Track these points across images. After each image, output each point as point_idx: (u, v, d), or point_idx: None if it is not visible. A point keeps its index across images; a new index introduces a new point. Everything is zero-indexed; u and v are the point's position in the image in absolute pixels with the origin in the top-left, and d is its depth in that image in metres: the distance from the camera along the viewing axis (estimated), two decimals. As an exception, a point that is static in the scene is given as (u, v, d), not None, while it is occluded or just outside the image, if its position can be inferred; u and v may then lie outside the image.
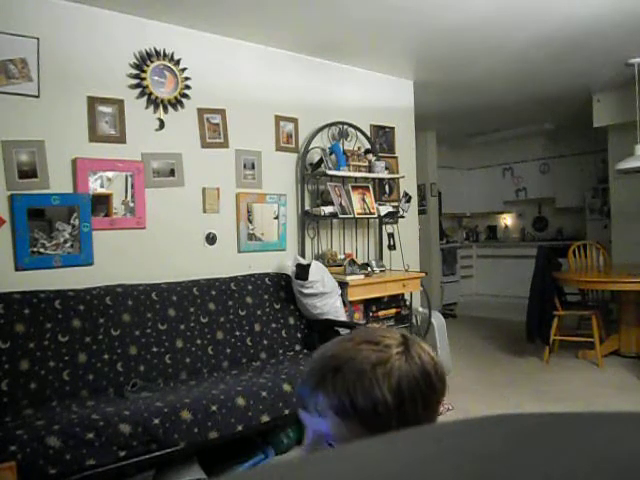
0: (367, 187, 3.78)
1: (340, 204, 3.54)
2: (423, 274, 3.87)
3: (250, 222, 3.40)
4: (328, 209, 3.48)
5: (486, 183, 8.08)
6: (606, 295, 4.89)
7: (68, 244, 2.69)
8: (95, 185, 2.81)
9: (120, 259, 2.87)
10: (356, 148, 3.85)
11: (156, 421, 2.07)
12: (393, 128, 4.29)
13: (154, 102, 3.00)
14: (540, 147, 7.42)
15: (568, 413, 0.26)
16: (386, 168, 3.91)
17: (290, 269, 3.23)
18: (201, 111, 3.20)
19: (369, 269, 3.56)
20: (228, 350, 2.89)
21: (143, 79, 2.96)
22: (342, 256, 3.69)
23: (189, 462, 2.29)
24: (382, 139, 4.21)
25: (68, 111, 2.74)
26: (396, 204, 4.03)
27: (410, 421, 0.61)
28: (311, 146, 3.63)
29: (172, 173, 3.08)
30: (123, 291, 2.69)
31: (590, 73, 4.47)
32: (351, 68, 4.02)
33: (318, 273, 3.09)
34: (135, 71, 2.95)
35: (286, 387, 2.48)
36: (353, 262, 3.46)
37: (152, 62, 2.99)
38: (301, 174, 3.63)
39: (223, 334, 2.91)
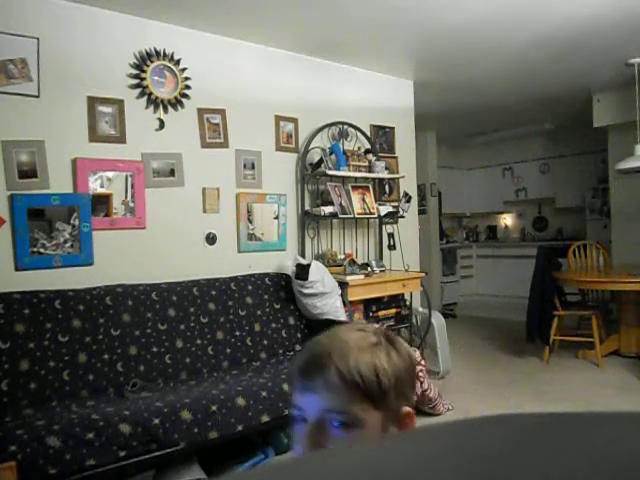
0: (367, 187, 3.78)
1: (340, 204, 3.54)
2: (423, 274, 3.87)
3: (250, 222, 3.40)
4: (328, 209, 3.48)
5: (486, 183, 8.09)
6: (606, 295, 4.89)
7: (68, 244, 2.69)
8: (95, 185, 2.81)
9: (120, 259, 2.87)
10: (356, 148, 3.85)
11: (156, 421, 2.07)
12: (393, 128, 4.29)
13: (154, 102, 3.00)
14: (540, 147, 7.42)
15: (568, 413, 0.26)
16: (386, 168, 3.91)
17: (290, 269, 3.23)
18: (201, 111, 3.20)
19: (369, 269, 3.56)
20: (228, 350, 2.89)
21: (143, 79, 2.96)
22: (342, 256, 3.69)
23: (189, 462, 2.29)
24: (382, 139, 4.21)
25: (68, 111, 2.74)
26: (396, 204, 4.03)
27: (402, 394, 0.70)
28: (311, 146, 3.63)
29: (172, 173, 3.08)
30: (123, 291, 2.69)
31: (590, 73, 4.47)
32: (351, 68, 4.02)
33: (318, 273, 3.10)
34: (135, 71, 2.95)
35: (286, 387, 2.48)
36: (353, 262, 3.46)
37: (152, 62, 2.99)
38: (301, 174, 3.63)
39: (223, 334, 2.91)
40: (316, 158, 3.62)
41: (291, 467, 0.24)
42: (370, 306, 3.59)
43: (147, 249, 2.98)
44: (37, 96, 2.64)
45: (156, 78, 3.02)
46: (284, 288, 3.26)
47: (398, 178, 4.10)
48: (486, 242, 8.15)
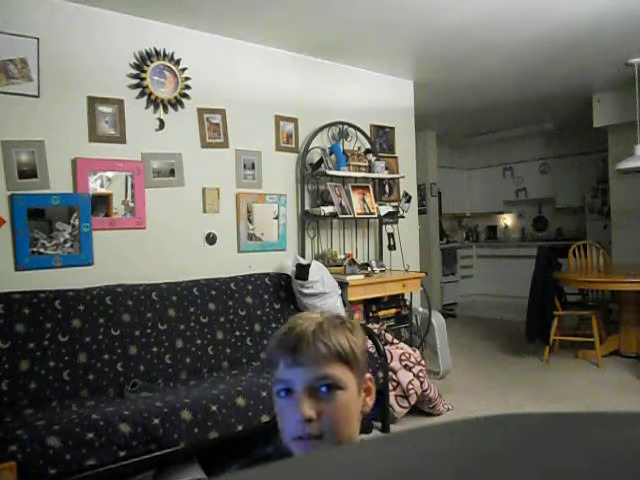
0: (367, 187, 3.78)
1: (340, 204, 3.54)
2: (423, 274, 3.87)
3: (250, 222, 3.40)
4: (328, 209, 3.48)
5: (486, 183, 8.09)
6: (606, 295, 4.89)
7: (68, 244, 2.69)
8: (95, 185, 2.81)
9: (120, 259, 2.87)
10: (356, 148, 3.85)
11: (156, 421, 2.07)
12: (393, 128, 4.29)
13: (154, 102, 3.00)
14: (540, 147, 7.42)
15: (568, 413, 0.26)
16: (386, 168, 3.91)
17: (290, 269, 3.23)
18: (201, 111, 3.20)
19: (369, 269, 3.56)
20: (228, 350, 2.88)
21: (143, 79, 2.96)
22: (342, 256, 3.69)
23: (189, 462, 2.29)
24: (382, 139, 4.21)
25: (68, 111, 2.74)
26: (396, 204, 4.03)
27: (364, 363, 0.85)
28: (311, 146, 3.63)
29: (172, 173, 3.08)
30: (123, 291, 2.69)
31: (590, 73, 4.47)
32: (351, 68, 4.02)
33: (318, 273, 3.10)
34: (135, 71, 2.95)
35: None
36: (353, 262, 3.46)
37: (152, 62, 2.99)
38: (301, 174, 3.63)
39: (223, 334, 2.91)
40: (316, 158, 3.62)
41: (291, 467, 0.24)
42: (370, 306, 3.59)
43: (147, 249, 2.98)
44: (37, 96, 2.64)
45: (156, 78, 3.02)
46: (284, 288, 3.26)
47: (398, 178, 4.10)
48: (486, 242, 8.15)
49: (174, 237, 3.09)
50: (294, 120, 3.64)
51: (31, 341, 2.33)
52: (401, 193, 4.10)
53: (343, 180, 3.69)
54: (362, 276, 3.42)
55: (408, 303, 3.83)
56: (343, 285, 3.26)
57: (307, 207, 3.62)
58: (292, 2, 2.89)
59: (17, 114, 2.59)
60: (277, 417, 0.81)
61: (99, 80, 2.84)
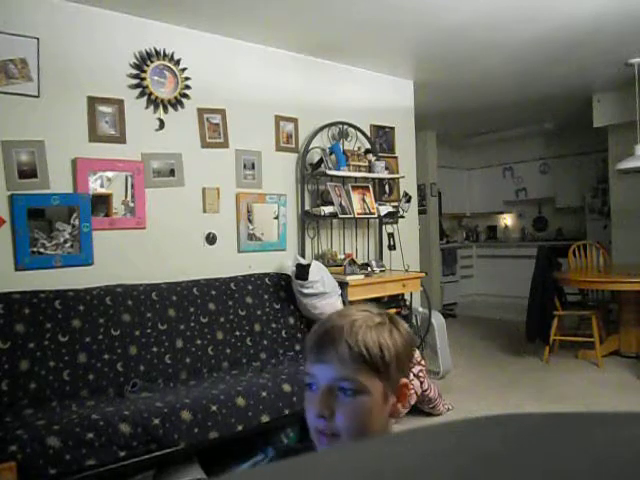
0: (367, 187, 3.78)
1: (340, 204, 3.54)
2: (423, 274, 3.86)
3: (250, 222, 3.40)
4: (328, 209, 3.48)
5: (486, 183, 8.09)
6: (606, 295, 4.89)
7: (68, 244, 2.69)
8: (95, 185, 2.81)
9: (120, 259, 2.87)
10: (356, 148, 3.85)
11: (156, 421, 2.07)
12: (393, 128, 4.29)
13: (154, 102, 3.00)
14: (540, 147, 7.42)
15: (568, 413, 0.26)
16: (386, 168, 3.91)
17: (290, 269, 3.23)
18: (201, 111, 3.20)
19: (369, 269, 3.56)
20: (228, 350, 2.88)
21: (143, 79, 2.96)
22: (342, 256, 3.68)
23: (189, 462, 2.29)
24: (382, 139, 4.21)
25: (68, 111, 2.74)
26: (396, 204, 4.03)
27: (401, 368, 0.80)
28: (311, 146, 3.63)
29: (172, 173, 3.08)
30: (123, 291, 2.69)
31: (590, 73, 4.47)
32: (351, 68, 4.02)
33: (318, 273, 3.09)
34: (135, 71, 2.95)
35: (286, 387, 2.48)
36: (353, 262, 3.46)
37: (152, 62, 2.99)
38: (301, 174, 3.63)
39: (223, 334, 2.91)
40: (316, 158, 3.62)
41: (291, 467, 0.24)
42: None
43: (147, 249, 2.98)
44: (37, 96, 2.64)
45: (156, 78, 3.02)
46: (284, 288, 3.26)
47: (398, 178, 4.10)
48: (486, 242, 8.15)
49: (174, 237, 3.09)
50: (294, 120, 3.64)
51: (31, 341, 2.33)
52: (401, 193, 4.10)
53: (343, 180, 3.69)
54: (362, 276, 3.42)
55: (408, 303, 3.83)
56: (343, 285, 3.26)
57: (307, 207, 3.62)
58: (292, 2, 2.89)
59: (17, 114, 2.59)
60: (305, 407, 0.81)
61: (99, 80, 2.84)
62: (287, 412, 2.44)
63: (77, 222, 2.71)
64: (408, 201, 4.02)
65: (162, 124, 3.04)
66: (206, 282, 3.01)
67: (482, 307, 7.21)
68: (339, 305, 3.16)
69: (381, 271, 3.69)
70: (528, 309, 4.33)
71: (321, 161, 3.54)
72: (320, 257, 3.62)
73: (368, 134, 4.01)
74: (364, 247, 4.02)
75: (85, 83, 2.79)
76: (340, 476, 0.22)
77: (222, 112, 3.28)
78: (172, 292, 2.84)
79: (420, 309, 4.02)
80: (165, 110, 3.05)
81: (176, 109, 3.09)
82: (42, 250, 2.62)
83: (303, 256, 3.52)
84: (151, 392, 2.37)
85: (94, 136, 2.81)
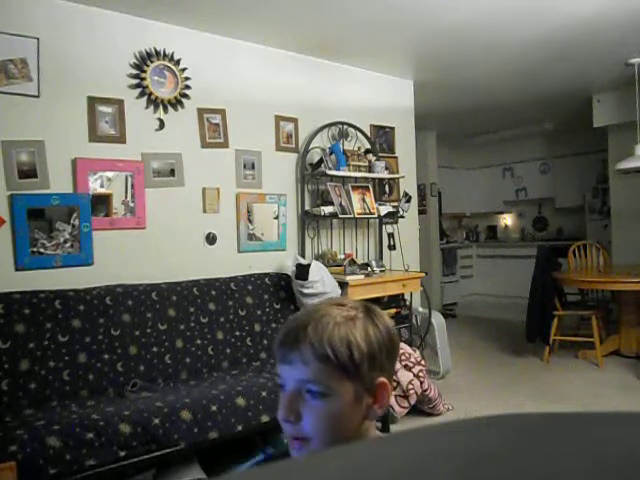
0: (367, 187, 3.78)
1: (340, 204, 3.54)
2: (423, 274, 3.86)
3: (250, 222, 3.40)
4: (328, 209, 3.48)
5: (486, 183, 8.09)
6: (606, 295, 4.89)
7: (68, 244, 2.69)
8: (95, 185, 2.81)
9: (120, 259, 2.87)
10: (356, 148, 3.85)
11: (156, 421, 2.07)
12: (393, 128, 4.29)
13: (154, 102, 3.00)
14: (540, 147, 7.42)
15: (568, 413, 0.26)
16: (386, 168, 3.91)
17: (290, 269, 3.23)
18: (201, 111, 3.20)
19: (369, 269, 3.56)
20: (228, 350, 2.88)
21: (143, 79, 2.96)
22: (342, 256, 3.68)
23: (189, 462, 2.29)
24: (382, 139, 4.21)
25: (68, 111, 2.74)
26: (396, 204, 4.03)
27: (377, 366, 0.73)
28: (311, 146, 3.63)
29: (172, 173, 3.08)
30: (123, 291, 2.69)
31: (590, 73, 4.47)
32: (351, 68, 4.02)
33: (318, 273, 3.09)
34: (135, 71, 2.95)
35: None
36: (353, 262, 3.46)
37: (152, 62, 2.99)
38: (301, 174, 3.63)
39: (223, 334, 2.91)
40: (316, 158, 3.62)
41: (291, 467, 0.24)
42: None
43: (147, 249, 2.98)
44: (37, 96, 2.64)
45: (156, 78, 3.02)
46: (284, 288, 3.26)
47: (398, 178, 4.10)
48: (486, 242, 8.15)
49: (174, 237, 3.09)
50: (294, 120, 3.64)
51: (31, 341, 2.33)
52: (401, 193, 4.10)
53: (343, 180, 3.69)
54: (362, 276, 3.42)
55: (408, 303, 3.83)
56: (343, 285, 3.26)
57: (307, 207, 3.62)
58: (292, 2, 2.88)
59: (17, 114, 2.59)
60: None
61: (99, 80, 2.84)
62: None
63: (77, 222, 2.71)
64: (408, 201, 4.02)
65: (162, 124, 3.04)
66: (206, 282, 3.01)
67: (482, 307, 7.21)
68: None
69: (381, 271, 3.69)
70: (528, 309, 4.33)
71: (321, 161, 3.54)
72: (320, 257, 3.62)
73: (368, 134, 4.01)
74: (364, 247, 4.02)
75: (85, 83, 2.79)
76: (340, 476, 0.22)
77: (222, 112, 3.28)
78: (172, 292, 2.84)
79: (420, 309, 4.02)
80: (165, 110, 3.05)
81: (176, 109, 3.09)
82: (42, 250, 2.62)
83: (303, 256, 3.52)
84: (151, 392, 2.37)
85: (94, 136, 2.81)
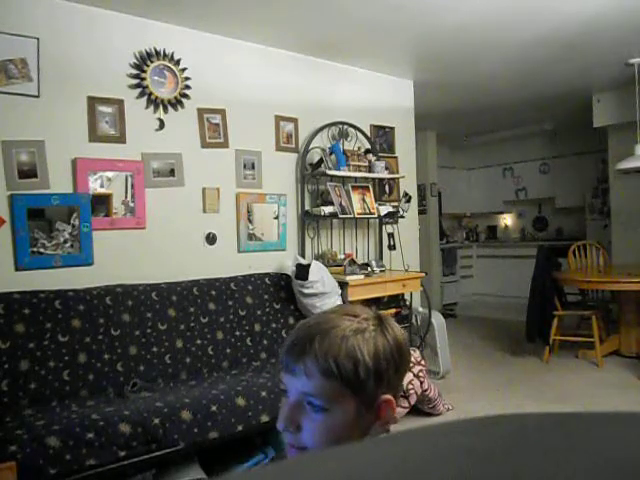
0: (367, 187, 3.78)
1: (340, 204, 3.54)
2: (423, 274, 3.87)
3: (250, 222, 3.40)
4: (328, 209, 3.48)
5: (486, 183, 8.09)
6: (606, 295, 4.89)
7: (68, 244, 2.69)
8: (95, 185, 2.81)
9: (120, 259, 2.87)
10: (356, 148, 3.85)
11: (156, 421, 2.07)
12: (393, 128, 4.29)
13: (154, 102, 3.00)
14: (540, 147, 7.42)
15: (568, 413, 0.26)
16: (386, 168, 3.91)
17: (290, 269, 3.23)
18: (201, 111, 3.20)
19: (369, 269, 3.56)
20: (228, 350, 2.89)
21: (143, 79, 2.96)
22: (342, 256, 3.68)
23: (189, 462, 2.29)
24: (382, 139, 4.21)
25: (68, 111, 2.74)
26: (396, 204, 4.03)
27: (383, 382, 0.71)
28: (311, 146, 3.63)
29: (172, 173, 3.08)
30: (123, 291, 2.69)
31: (590, 73, 4.47)
32: (351, 68, 4.02)
33: (318, 273, 3.10)
34: (135, 71, 2.95)
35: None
36: (353, 262, 3.46)
37: (152, 62, 2.99)
38: (301, 174, 3.63)
39: (223, 334, 2.91)
40: (316, 158, 3.62)
41: (291, 467, 0.24)
42: (370, 306, 3.57)
43: (147, 249, 2.98)
44: (37, 96, 2.64)
45: (156, 78, 3.02)
46: (284, 288, 3.26)
47: (398, 178, 4.10)
48: (486, 242, 8.15)
49: (174, 237, 3.09)
50: (294, 120, 3.64)
51: (31, 341, 2.33)
52: (401, 193, 4.10)
53: (343, 180, 3.69)
54: (362, 276, 3.42)
55: (408, 303, 3.83)
56: (343, 285, 3.26)
57: (307, 207, 3.62)
58: (292, 2, 2.88)
59: (17, 114, 2.59)
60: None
61: (99, 80, 2.84)
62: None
63: (77, 222, 2.71)
64: (408, 201, 4.02)
65: (162, 124, 3.04)
66: (206, 282, 3.01)
67: (482, 307, 7.21)
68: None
69: (381, 271, 3.69)
70: (528, 309, 4.33)
71: (321, 161, 3.54)
72: (320, 257, 3.62)
73: (368, 134, 4.01)
74: (364, 247, 4.02)
75: (85, 83, 2.79)
76: (340, 476, 0.22)
77: (222, 112, 3.28)
78: (172, 292, 2.84)
79: (420, 309, 4.02)
80: (165, 110, 3.05)
81: (176, 109, 3.09)
82: (42, 250, 2.62)
83: (303, 256, 3.52)
84: (151, 392, 2.37)
85: (94, 136, 2.81)
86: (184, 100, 3.11)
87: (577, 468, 0.20)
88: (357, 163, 3.71)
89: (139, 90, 2.96)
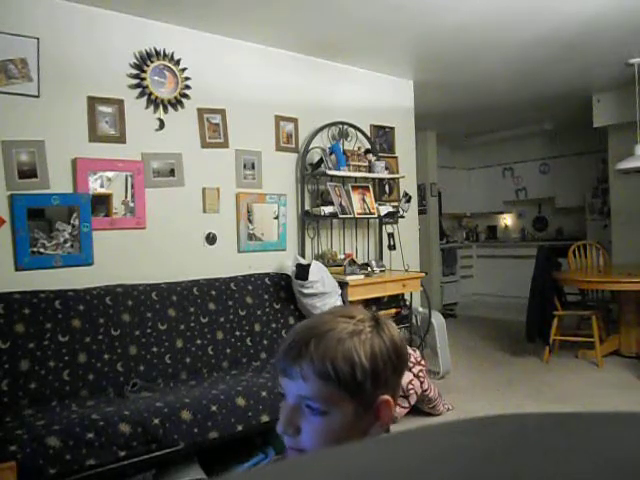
0: (367, 187, 3.78)
1: (340, 204, 3.54)
2: (423, 274, 3.87)
3: (250, 222, 3.40)
4: (328, 209, 3.48)
5: (486, 183, 8.09)
6: (606, 295, 4.89)
7: (68, 244, 2.69)
8: (95, 185, 2.81)
9: (120, 259, 2.87)
10: (356, 148, 3.85)
11: (156, 421, 2.07)
12: (393, 128, 4.29)
13: (154, 102, 3.00)
14: (540, 147, 7.42)
15: (568, 413, 0.26)
16: (386, 168, 3.91)
17: (290, 269, 3.23)
18: (201, 111, 3.20)
19: (369, 269, 3.56)
20: (228, 350, 2.89)
21: (143, 79, 2.96)
22: (342, 256, 3.68)
23: (189, 462, 2.29)
24: (382, 139, 4.21)
25: (68, 111, 2.74)
26: (396, 204, 4.03)
27: (381, 383, 0.71)
28: (311, 146, 3.63)
29: (172, 173, 3.08)
30: (123, 291, 2.69)
31: (590, 73, 4.47)
32: (351, 68, 4.02)
33: (318, 273, 3.09)
34: (135, 71, 2.95)
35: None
36: (353, 262, 3.46)
37: (152, 62, 2.99)
38: (301, 174, 3.63)
39: (223, 334, 2.91)
40: (316, 158, 3.62)
41: (291, 467, 0.24)
42: (370, 306, 3.59)
43: (147, 249, 2.98)
44: (37, 96, 2.64)
45: (156, 78, 3.02)
46: (284, 288, 3.26)
47: (398, 178, 4.10)
48: (486, 242, 8.15)
49: (174, 237, 3.09)
50: (294, 120, 3.64)
51: (31, 341, 2.33)
52: (401, 193, 4.10)
53: (343, 180, 3.69)
54: (362, 276, 3.42)
55: (408, 303, 3.83)
56: (343, 285, 3.26)
57: (307, 207, 3.62)
58: (292, 2, 2.88)
59: (17, 114, 2.59)
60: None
61: (99, 80, 2.84)
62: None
63: (77, 222, 2.71)
64: (408, 201, 4.02)
65: (162, 124, 3.04)
66: (206, 282, 3.01)
67: (482, 307, 7.20)
68: (339, 305, 3.15)
69: (381, 271, 3.69)
70: (528, 309, 4.33)
71: (321, 161, 3.54)
72: (320, 257, 3.61)
73: (368, 134, 4.01)
74: (364, 247, 4.02)
75: (85, 83, 2.79)
76: (340, 476, 0.22)
77: (222, 112, 3.28)
78: (172, 292, 2.84)
79: (420, 309, 4.02)
80: (165, 110, 3.05)
81: (176, 109, 3.09)
82: (42, 250, 2.62)
83: (303, 256, 3.52)
84: (151, 392, 2.37)
85: (94, 136, 2.81)
86: (184, 100, 3.11)
87: (577, 468, 0.20)
88: (357, 163, 3.71)
89: (139, 90, 2.96)
